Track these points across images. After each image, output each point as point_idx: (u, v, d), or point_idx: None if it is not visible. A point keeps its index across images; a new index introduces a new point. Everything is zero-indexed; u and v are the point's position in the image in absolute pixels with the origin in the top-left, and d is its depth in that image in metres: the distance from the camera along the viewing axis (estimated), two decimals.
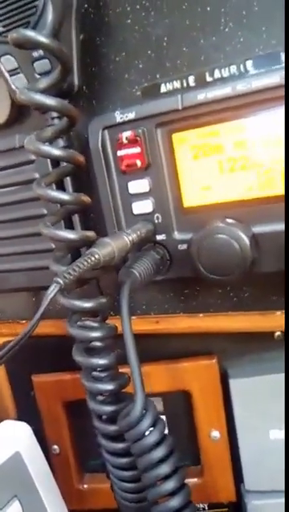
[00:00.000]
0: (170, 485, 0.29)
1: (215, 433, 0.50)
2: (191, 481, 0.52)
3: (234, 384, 0.48)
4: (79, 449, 0.55)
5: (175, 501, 0.29)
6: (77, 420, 0.54)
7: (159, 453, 0.29)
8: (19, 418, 0.56)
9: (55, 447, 0.54)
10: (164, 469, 0.29)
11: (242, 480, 0.50)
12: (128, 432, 0.29)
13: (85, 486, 0.55)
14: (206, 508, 0.54)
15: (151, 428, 0.30)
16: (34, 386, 0.54)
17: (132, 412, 0.29)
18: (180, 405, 0.52)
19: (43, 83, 0.31)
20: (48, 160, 0.40)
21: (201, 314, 0.43)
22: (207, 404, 0.50)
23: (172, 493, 0.29)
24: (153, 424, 0.30)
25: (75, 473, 0.55)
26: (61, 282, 0.27)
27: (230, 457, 0.50)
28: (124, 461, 0.31)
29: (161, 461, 0.29)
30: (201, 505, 0.54)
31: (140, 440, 0.29)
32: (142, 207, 0.39)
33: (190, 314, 0.44)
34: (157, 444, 0.29)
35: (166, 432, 0.32)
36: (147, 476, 0.29)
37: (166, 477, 0.29)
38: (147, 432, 0.29)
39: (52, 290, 0.26)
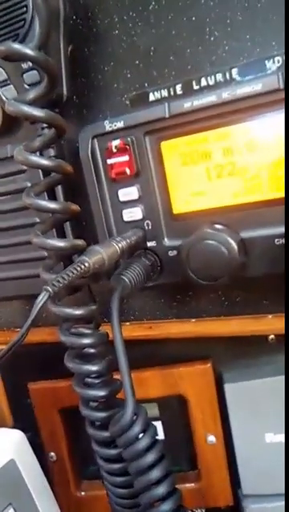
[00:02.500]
0: (161, 490, 0.29)
1: (211, 438, 0.50)
2: (188, 485, 0.52)
3: (229, 388, 0.49)
4: (76, 456, 0.55)
5: (166, 506, 0.29)
6: (74, 427, 0.54)
7: (149, 458, 0.29)
8: (15, 426, 0.56)
9: (52, 454, 0.54)
10: (155, 473, 0.29)
11: (240, 485, 0.50)
12: (119, 438, 0.30)
13: (82, 493, 0.55)
14: None
15: (141, 434, 0.30)
16: (30, 393, 0.54)
17: (122, 417, 0.29)
18: (175, 410, 0.52)
19: (31, 94, 0.32)
20: (39, 170, 0.41)
21: (193, 320, 0.44)
22: (203, 409, 0.50)
23: (163, 498, 0.29)
24: (144, 430, 0.30)
25: (73, 480, 0.55)
26: (50, 290, 0.27)
27: (227, 461, 0.50)
28: (116, 466, 0.31)
29: (152, 466, 0.29)
30: (199, 511, 0.54)
31: (131, 446, 0.29)
32: (132, 214, 0.39)
33: (183, 319, 0.44)
34: (148, 449, 0.29)
35: (158, 437, 0.32)
36: (138, 481, 0.29)
37: (157, 482, 0.29)
38: (140, 437, 0.29)
39: (42, 299, 0.27)
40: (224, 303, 0.42)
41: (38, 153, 0.35)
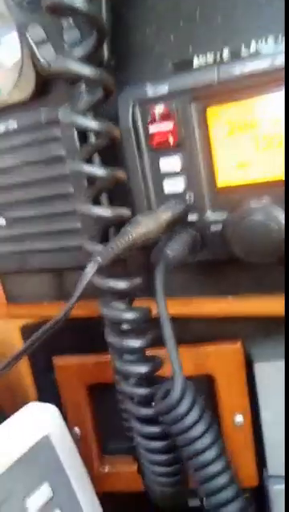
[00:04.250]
0: (212, 453, 0.28)
1: (239, 418, 0.49)
2: None
3: (259, 368, 0.48)
4: (100, 431, 0.55)
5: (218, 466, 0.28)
6: (98, 403, 0.54)
7: (199, 429, 0.28)
8: (39, 400, 0.56)
9: (76, 430, 0.54)
10: (206, 440, 0.28)
11: (265, 465, 0.50)
12: (167, 415, 0.29)
13: (106, 469, 0.55)
14: None
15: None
16: (55, 368, 0.54)
17: (171, 393, 0.28)
18: (203, 390, 0.51)
19: (79, 51, 0.29)
20: (75, 136, 0.39)
21: (229, 297, 0.42)
22: (231, 389, 0.49)
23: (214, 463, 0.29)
24: (192, 407, 0.29)
25: (96, 455, 0.55)
26: (100, 260, 0.26)
27: (254, 442, 0.50)
28: (159, 444, 0.30)
29: (202, 435, 0.29)
30: None
31: (180, 422, 0.28)
32: (173, 186, 0.37)
33: (218, 296, 0.43)
34: (196, 422, 0.28)
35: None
36: (189, 449, 0.29)
37: (208, 448, 0.29)
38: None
39: (90, 270, 0.25)
40: (263, 281, 0.40)
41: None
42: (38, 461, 0.34)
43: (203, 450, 0.28)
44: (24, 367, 0.56)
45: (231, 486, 0.29)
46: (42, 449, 0.34)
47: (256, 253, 0.34)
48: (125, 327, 0.33)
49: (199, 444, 0.28)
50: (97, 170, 0.30)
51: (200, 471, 0.28)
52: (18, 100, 0.42)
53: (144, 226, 0.30)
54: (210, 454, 0.28)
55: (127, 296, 0.36)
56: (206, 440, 0.28)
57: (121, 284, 0.31)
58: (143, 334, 0.32)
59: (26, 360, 0.56)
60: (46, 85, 0.42)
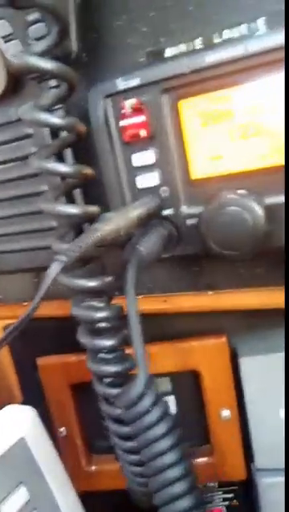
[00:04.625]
0: (168, 458, 0.27)
1: (225, 412, 0.49)
2: (201, 460, 0.51)
3: (244, 363, 0.47)
4: (86, 430, 0.54)
5: (174, 472, 0.27)
6: (83, 402, 0.53)
7: (159, 430, 0.27)
8: (25, 401, 0.55)
9: (62, 429, 0.53)
10: (164, 444, 0.27)
11: (253, 459, 0.50)
12: (127, 411, 0.28)
13: (93, 468, 0.54)
14: (216, 487, 0.54)
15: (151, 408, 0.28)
16: (39, 369, 0.53)
17: (132, 389, 0.28)
18: (189, 385, 0.51)
19: (40, 46, 0.29)
20: (47, 132, 0.38)
21: (210, 292, 0.42)
22: (217, 383, 0.48)
23: (172, 465, 0.28)
24: (154, 403, 0.28)
25: (83, 454, 0.54)
26: (64, 259, 0.25)
27: (241, 436, 0.49)
28: (131, 444, 0.30)
29: (162, 438, 0.27)
30: (212, 484, 0.54)
31: (141, 419, 0.27)
32: (147, 180, 0.36)
33: (198, 292, 0.42)
34: (158, 422, 0.27)
35: (170, 411, 0.30)
36: (145, 452, 0.28)
37: (165, 453, 0.27)
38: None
39: (54, 269, 0.25)
40: (243, 275, 0.40)
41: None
42: (14, 463, 0.33)
43: (160, 454, 0.27)
44: (8, 369, 0.55)
45: (189, 496, 0.27)
46: (19, 451, 0.34)
47: (231, 245, 0.33)
48: (96, 326, 0.32)
49: (156, 448, 0.27)
50: (61, 167, 0.29)
51: (155, 476, 0.27)
52: None
53: (112, 223, 0.29)
54: (168, 459, 0.27)
55: (103, 295, 0.35)
56: (165, 443, 0.27)
57: (91, 283, 0.30)
58: (114, 333, 0.32)
59: (10, 361, 0.55)
60: (18, 83, 0.41)
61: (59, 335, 0.49)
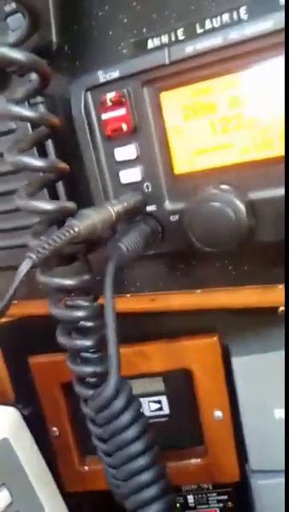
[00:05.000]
0: (139, 463, 0.26)
1: (218, 413, 0.48)
2: (194, 461, 0.51)
3: (237, 362, 0.46)
4: (79, 430, 0.54)
5: (144, 477, 0.26)
6: (76, 401, 0.52)
7: (130, 434, 0.26)
8: (17, 401, 0.55)
9: (55, 429, 0.53)
10: (134, 448, 0.26)
11: (247, 460, 0.49)
12: (98, 414, 0.27)
13: (86, 468, 0.54)
14: (210, 488, 0.53)
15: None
16: (31, 368, 0.52)
17: (102, 392, 0.27)
18: (181, 385, 0.50)
19: (12, 36, 0.28)
20: (29, 127, 0.37)
21: (198, 291, 0.41)
22: (209, 383, 0.48)
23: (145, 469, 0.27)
24: (127, 406, 0.27)
25: (76, 454, 0.54)
26: (34, 257, 0.24)
27: (234, 437, 0.49)
28: (106, 447, 0.29)
29: (131, 442, 0.27)
30: (206, 486, 0.53)
31: (112, 423, 0.26)
32: (130, 175, 0.36)
33: (187, 290, 0.41)
34: (130, 425, 0.27)
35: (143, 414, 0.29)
36: (117, 456, 0.27)
37: (135, 457, 0.26)
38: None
39: (24, 267, 0.24)
40: (231, 273, 0.39)
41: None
42: None
43: (130, 458, 0.26)
44: (0, 368, 0.55)
45: (160, 501, 0.26)
46: (1, 452, 0.33)
47: (213, 241, 0.32)
48: (74, 325, 0.31)
49: (126, 452, 0.26)
50: (34, 161, 0.28)
51: (126, 481, 0.27)
52: None
53: (88, 219, 0.28)
54: (138, 464, 0.26)
55: (88, 294, 0.34)
56: (135, 447, 0.26)
57: (68, 281, 0.29)
58: (92, 333, 0.31)
59: (2, 361, 0.55)
60: (2, 77, 0.41)
61: (51, 333, 0.49)
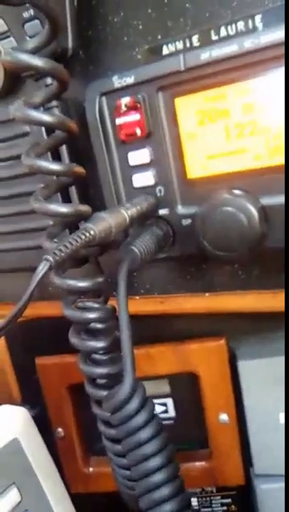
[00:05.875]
0: (155, 462, 0.27)
1: (224, 416, 0.48)
2: (199, 464, 0.51)
3: (243, 366, 0.47)
4: (84, 431, 0.54)
5: (158, 477, 0.27)
6: (81, 403, 0.53)
7: (144, 434, 0.27)
8: (24, 401, 0.55)
9: (60, 430, 0.53)
10: (148, 448, 0.27)
11: (252, 464, 0.49)
12: (113, 415, 0.27)
13: (91, 469, 0.54)
14: (214, 491, 0.53)
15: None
16: (38, 369, 0.53)
17: (117, 393, 0.27)
18: (187, 388, 0.50)
19: (31, 43, 0.28)
20: (43, 130, 0.38)
21: (207, 294, 0.41)
22: (215, 387, 0.48)
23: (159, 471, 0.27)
24: (141, 407, 0.27)
25: (81, 456, 0.54)
26: (51, 259, 0.24)
27: (239, 441, 0.49)
28: (119, 447, 0.29)
29: (146, 441, 0.27)
30: (209, 489, 0.53)
31: (127, 423, 0.27)
32: (143, 179, 0.36)
33: (196, 293, 0.41)
34: (144, 426, 0.27)
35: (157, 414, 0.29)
36: (131, 456, 0.27)
37: (150, 457, 0.27)
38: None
39: (41, 269, 0.24)
40: (240, 277, 0.39)
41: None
42: (6, 464, 0.33)
43: (145, 458, 0.27)
44: (7, 369, 0.55)
45: (174, 500, 0.27)
46: (11, 452, 0.34)
47: (225, 246, 0.32)
48: (87, 327, 0.32)
49: (141, 452, 0.27)
50: (51, 165, 0.28)
51: (140, 481, 0.27)
52: None
53: (103, 222, 0.28)
54: (152, 463, 0.26)
55: (99, 296, 0.35)
56: (150, 447, 0.26)
57: (81, 283, 0.30)
58: (105, 334, 0.31)
59: (9, 361, 0.55)
60: (17, 81, 0.41)
61: (59, 335, 0.49)
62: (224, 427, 0.48)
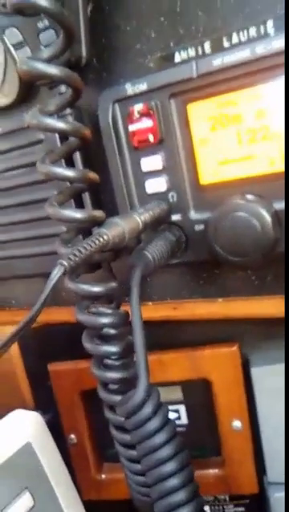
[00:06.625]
0: (170, 467, 0.27)
1: (237, 423, 0.48)
2: (211, 471, 0.50)
3: (256, 372, 0.46)
4: (96, 438, 0.54)
5: (174, 481, 0.27)
6: (94, 409, 0.53)
7: (158, 439, 0.27)
8: (37, 407, 0.55)
9: (72, 436, 0.53)
10: (163, 453, 0.27)
11: (265, 471, 0.48)
12: (128, 420, 0.27)
13: (103, 476, 0.54)
14: (227, 500, 0.52)
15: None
16: (51, 375, 0.53)
17: (132, 397, 0.27)
18: (200, 394, 0.50)
19: (46, 52, 0.29)
20: (57, 138, 0.38)
21: (220, 299, 0.41)
22: (228, 393, 0.48)
23: (174, 477, 0.27)
24: (156, 411, 0.27)
25: (93, 462, 0.54)
26: (65, 264, 0.25)
27: (253, 448, 0.48)
28: (133, 452, 0.29)
29: (161, 446, 0.27)
30: (222, 497, 0.53)
31: (142, 427, 0.27)
32: (156, 185, 0.36)
33: (209, 299, 0.41)
34: (158, 430, 0.27)
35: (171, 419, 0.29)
36: (146, 460, 0.27)
37: (165, 461, 0.27)
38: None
39: (56, 274, 0.25)
40: (253, 282, 0.39)
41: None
42: (19, 469, 0.33)
43: (160, 463, 0.26)
44: (21, 374, 0.55)
45: (189, 505, 0.26)
46: (24, 456, 0.34)
47: (239, 252, 0.32)
48: (100, 332, 0.32)
49: (156, 456, 0.26)
50: (65, 171, 0.29)
51: (155, 485, 0.27)
52: (3, 105, 0.41)
53: (117, 228, 0.29)
54: (167, 468, 0.26)
55: (111, 301, 0.35)
56: (165, 452, 0.26)
57: (95, 288, 0.30)
58: (118, 339, 0.31)
59: (22, 367, 0.56)
60: (31, 89, 0.42)
61: (72, 340, 0.49)
62: (237, 434, 0.48)
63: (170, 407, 0.52)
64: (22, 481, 0.33)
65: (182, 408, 0.51)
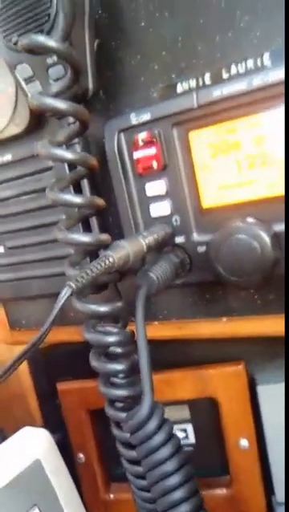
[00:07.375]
0: (174, 480, 0.27)
1: (244, 442, 0.48)
2: (219, 491, 0.51)
3: (263, 391, 0.47)
4: (105, 457, 0.54)
5: (179, 494, 0.27)
6: (103, 428, 0.53)
7: (163, 453, 0.27)
8: (45, 426, 0.56)
9: (81, 455, 0.54)
10: (170, 466, 0.27)
11: (273, 491, 0.48)
12: (133, 435, 0.28)
13: (111, 496, 0.54)
14: None
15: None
16: (59, 394, 0.54)
17: (138, 413, 0.28)
18: (207, 413, 0.51)
19: (55, 87, 0.31)
20: (65, 165, 0.40)
21: (224, 319, 0.42)
22: (235, 412, 0.48)
23: (178, 490, 0.28)
24: (160, 426, 0.28)
25: (101, 482, 0.54)
26: (73, 285, 0.26)
27: (261, 467, 0.48)
28: (139, 469, 0.30)
29: (166, 460, 0.28)
30: None
31: (146, 442, 0.28)
32: (160, 209, 0.38)
33: (213, 319, 0.42)
34: (163, 445, 0.28)
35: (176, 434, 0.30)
36: (151, 475, 0.28)
37: (171, 474, 0.28)
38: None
39: (64, 295, 0.26)
40: (256, 302, 0.40)
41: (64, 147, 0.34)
42: (28, 485, 0.34)
43: (165, 476, 0.27)
44: (30, 393, 0.56)
45: None
46: (33, 473, 0.34)
47: (239, 272, 0.33)
48: (107, 350, 0.33)
49: (161, 470, 0.27)
50: (73, 198, 0.31)
51: (160, 499, 0.28)
52: (14, 134, 0.44)
53: (122, 250, 0.30)
54: (173, 481, 0.27)
55: (118, 320, 0.36)
56: (169, 466, 0.27)
57: (102, 308, 0.31)
58: (124, 357, 0.32)
59: (31, 386, 0.57)
60: (40, 119, 0.44)
61: (81, 360, 0.50)
62: (244, 453, 0.48)
63: (178, 426, 0.52)
64: (31, 497, 0.33)
65: (190, 428, 0.52)
